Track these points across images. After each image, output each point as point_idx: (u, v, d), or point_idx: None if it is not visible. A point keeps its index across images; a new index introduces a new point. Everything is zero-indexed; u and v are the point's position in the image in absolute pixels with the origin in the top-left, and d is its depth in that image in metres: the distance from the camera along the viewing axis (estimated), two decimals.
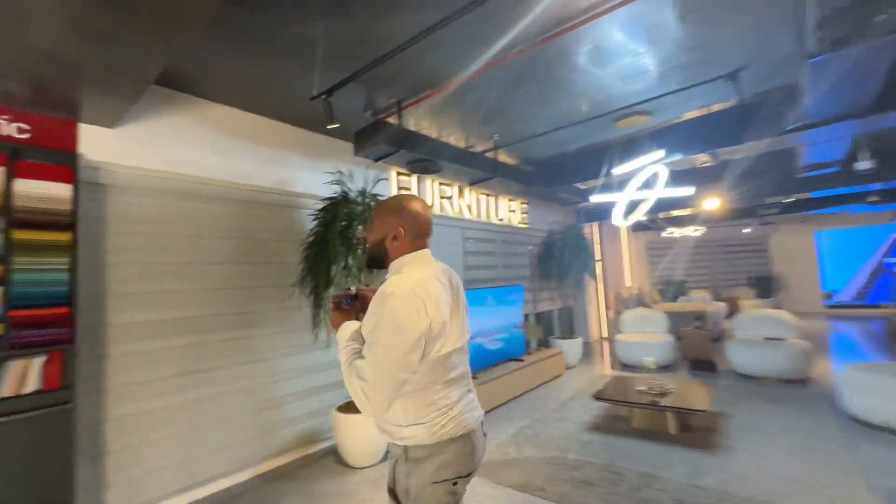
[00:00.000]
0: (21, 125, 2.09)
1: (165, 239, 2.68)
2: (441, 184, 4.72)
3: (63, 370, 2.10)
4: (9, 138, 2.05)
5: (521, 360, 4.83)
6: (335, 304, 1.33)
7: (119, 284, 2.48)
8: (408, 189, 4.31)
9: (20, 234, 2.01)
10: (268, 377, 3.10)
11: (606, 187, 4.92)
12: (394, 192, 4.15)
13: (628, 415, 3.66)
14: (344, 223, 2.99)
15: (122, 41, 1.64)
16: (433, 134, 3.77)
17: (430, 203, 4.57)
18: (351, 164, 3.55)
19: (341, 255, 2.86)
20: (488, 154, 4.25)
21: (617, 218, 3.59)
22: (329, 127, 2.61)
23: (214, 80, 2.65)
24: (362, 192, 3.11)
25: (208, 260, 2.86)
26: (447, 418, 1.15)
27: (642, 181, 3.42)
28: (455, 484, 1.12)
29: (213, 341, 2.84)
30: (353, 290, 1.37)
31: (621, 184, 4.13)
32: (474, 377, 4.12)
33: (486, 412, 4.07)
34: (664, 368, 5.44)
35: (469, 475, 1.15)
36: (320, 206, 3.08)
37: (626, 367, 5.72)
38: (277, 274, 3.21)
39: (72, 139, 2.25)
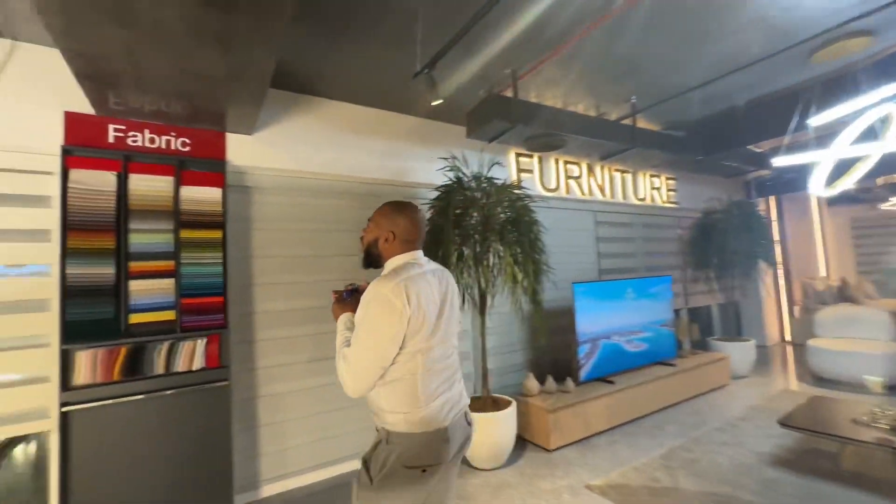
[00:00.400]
0: (185, 139, 2.43)
1: (298, 234, 2.89)
2: (567, 162, 4.22)
3: (220, 351, 2.40)
4: (176, 152, 2.40)
5: (672, 365, 4.07)
6: (337, 297, 1.48)
7: (262, 276, 2.76)
8: (529, 171, 3.96)
9: (185, 234, 2.33)
10: None
11: (796, 147, 3.76)
12: (512, 174, 3.85)
13: (836, 451, 2.72)
14: (458, 211, 2.82)
15: (235, 42, 1.71)
16: (556, 104, 3.34)
17: (555, 185, 4.13)
18: (465, 149, 3.37)
19: (455, 245, 2.70)
20: (624, 121, 3.62)
21: (816, 186, 2.64)
22: (433, 104, 2.44)
23: (326, 78, 2.74)
24: (477, 177, 2.90)
25: (334, 252, 3.01)
26: (425, 411, 1.24)
27: (860, 131, 2.43)
28: (424, 471, 1.22)
29: (319, 332, 2.98)
30: (355, 284, 1.47)
31: (821, 140, 3.06)
32: (610, 381, 3.59)
33: (625, 423, 3.55)
34: (892, 390, 3.99)
35: (440, 464, 1.24)
36: (435, 195, 2.97)
37: (822, 381, 4.38)
38: None
39: (221, 148, 2.55)
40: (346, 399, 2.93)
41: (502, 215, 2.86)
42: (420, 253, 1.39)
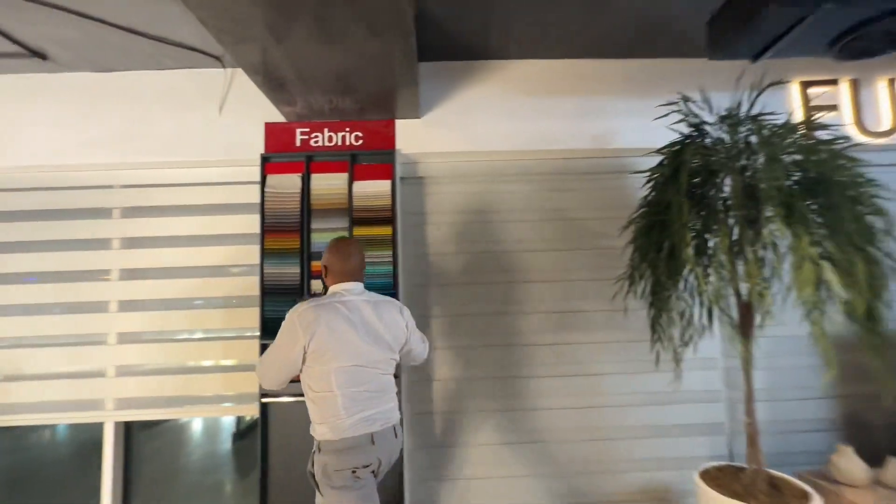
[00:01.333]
0: (358, 133, 2.34)
1: (475, 227, 2.47)
2: None
3: None
4: (350, 147, 2.33)
5: None
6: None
7: (438, 276, 2.45)
8: (829, 109, 2.42)
9: (358, 231, 2.22)
10: (598, 398, 2.37)
11: None
12: (797, 113, 2.42)
13: None
14: (697, 179, 1.82)
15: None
16: None
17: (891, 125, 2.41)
18: (701, 88, 2.24)
19: (691, 231, 1.72)
20: None
21: None
22: None
23: (494, 33, 2.18)
24: (731, 119, 1.81)
25: (517, 248, 2.45)
26: (347, 422, 1.44)
27: None
28: (354, 471, 1.43)
29: (528, 343, 2.40)
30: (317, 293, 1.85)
31: None
32: None
33: None
34: None
35: (367, 466, 1.45)
36: (655, 161, 2.03)
37: None
38: (601, 263, 2.42)
39: (390, 137, 2.36)
40: (538, 431, 2.33)
41: (790, 178, 1.68)
42: (352, 284, 1.60)
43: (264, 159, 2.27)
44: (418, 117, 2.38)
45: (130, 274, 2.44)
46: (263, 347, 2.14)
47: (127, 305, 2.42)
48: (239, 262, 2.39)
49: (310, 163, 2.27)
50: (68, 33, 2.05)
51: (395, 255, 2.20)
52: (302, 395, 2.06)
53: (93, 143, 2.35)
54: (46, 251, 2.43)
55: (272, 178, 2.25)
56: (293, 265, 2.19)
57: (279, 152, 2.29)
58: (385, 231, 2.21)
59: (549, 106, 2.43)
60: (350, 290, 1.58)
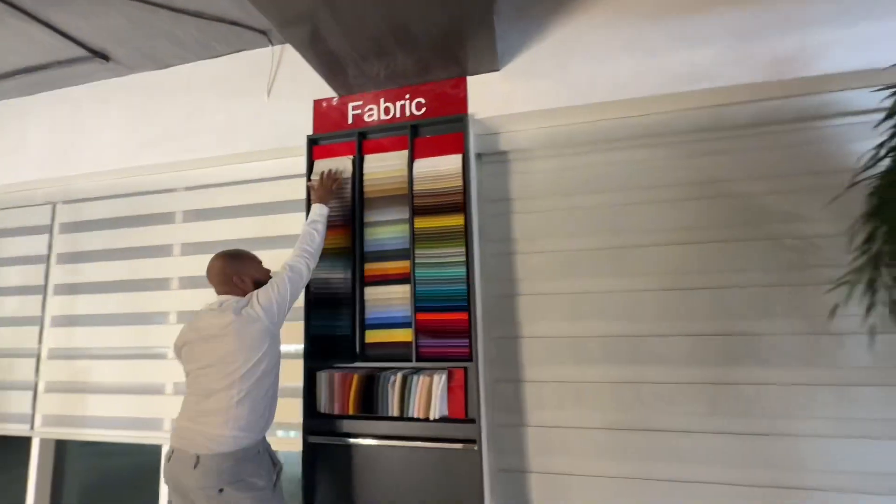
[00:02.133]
0: (420, 99, 1.83)
1: (581, 215, 1.78)
2: None
3: (466, 396, 1.59)
4: (411, 117, 1.83)
5: None
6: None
7: (529, 282, 1.80)
8: None
9: (420, 222, 1.69)
10: (792, 475, 1.48)
11: None
12: None
13: None
14: None
15: None
16: None
17: None
18: None
19: None
20: None
21: None
22: None
23: None
24: None
25: (645, 241, 1.70)
26: (174, 425, 1.41)
27: None
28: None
29: (665, 380, 1.61)
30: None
31: None
32: None
33: None
34: None
35: (175, 489, 1.33)
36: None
37: None
38: (790, 260, 1.55)
39: (461, 99, 1.80)
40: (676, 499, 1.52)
41: None
42: (216, 294, 1.52)
43: (311, 142, 1.88)
44: (497, 69, 1.79)
45: (190, 282, 2.24)
46: (309, 371, 1.72)
47: (185, 317, 2.22)
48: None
49: (362, 142, 1.82)
50: (117, 21, 1.91)
51: (468, 254, 1.62)
52: (348, 436, 1.62)
53: (153, 143, 2.21)
54: (116, 259, 2.35)
55: (319, 165, 1.85)
56: (342, 268, 1.74)
57: (328, 132, 1.88)
58: (454, 221, 1.65)
59: (692, 26, 1.64)
60: (211, 300, 1.51)
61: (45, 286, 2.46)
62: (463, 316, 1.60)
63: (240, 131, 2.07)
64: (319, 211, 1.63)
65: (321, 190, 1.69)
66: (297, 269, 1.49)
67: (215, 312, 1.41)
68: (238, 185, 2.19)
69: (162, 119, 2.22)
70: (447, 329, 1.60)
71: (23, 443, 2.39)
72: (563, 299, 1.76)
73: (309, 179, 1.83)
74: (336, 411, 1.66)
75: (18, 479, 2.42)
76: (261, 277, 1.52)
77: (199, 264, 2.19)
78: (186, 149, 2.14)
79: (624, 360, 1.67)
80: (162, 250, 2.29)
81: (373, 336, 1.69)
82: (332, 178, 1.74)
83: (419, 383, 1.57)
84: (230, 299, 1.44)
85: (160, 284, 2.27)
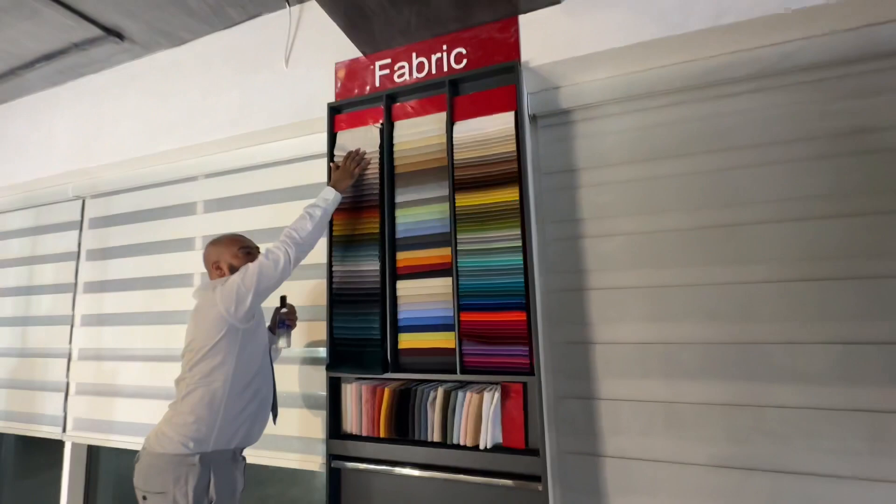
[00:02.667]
0: (460, 49, 1.49)
1: (669, 185, 1.37)
2: None
3: (526, 420, 1.24)
4: (450, 71, 1.49)
5: None
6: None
7: (601, 274, 1.42)
8: None
9: (462, 200, 1.35)
10: None
11: None
12: None
13: None
14: None
15: None
16: None
17: None
18: None
19: None
20: None
21: None
22: None
23: None
24: None
25: (764, 216, 1.27)
26: None
27: None
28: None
29: (801, 404, 1.18)
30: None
31: None
32: None
33: None
34: None
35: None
36: None
37: None
38: None
39: (510, 44, 1.44)
40: None
41: None
42: None
43: (332, 111, 1.59)
44: (557, 1, 1.41)
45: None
46: (333, 383, 1.44)
47: None
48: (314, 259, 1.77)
49: (391, 106, 1.51)
50: None
51: (525, 237, 1.27)
52: (379, 463, 1.32)
53: (169, 128, 2.03)
54: (138, 255, 2.21)
55: (342, 136, 1.56)
56: (369, 259, 1.43)
57: (352, 97, 1.58)
58: (507, 196, 1.30)
59: None
60: None
61: (76, 284, 2.37)
62: (520, 316, 1.24)
63: (256, 107, 1.83)
64: (325, 194, 1.38)
65: (339, 171, 1.44)
66: (274, 257, 1.24)
67: (201, 292, 1.33)
68: (257, 170, 1.96)
69: (177, 102, 2.03)
70: (500, 333, 1.26)
71: (56, 444, 2.32)
72: (648, 294, 1.36)
73: (332, 158, 1.55)
74: (364, 432, 1.36)
75: (52, 482, 2.36)
76: (235, 264, 1.33)
77: None
78: (201, 132, 1.94)
79: (736, 374, 1.25)
80: (185, 244, 2.11)
81: (407, 341, 1.38)
82: (355, 159, 1.46)
83: (466, 402, 1.24)
84: (213, 283, 1.32)
85: (184, 280, 2.09)
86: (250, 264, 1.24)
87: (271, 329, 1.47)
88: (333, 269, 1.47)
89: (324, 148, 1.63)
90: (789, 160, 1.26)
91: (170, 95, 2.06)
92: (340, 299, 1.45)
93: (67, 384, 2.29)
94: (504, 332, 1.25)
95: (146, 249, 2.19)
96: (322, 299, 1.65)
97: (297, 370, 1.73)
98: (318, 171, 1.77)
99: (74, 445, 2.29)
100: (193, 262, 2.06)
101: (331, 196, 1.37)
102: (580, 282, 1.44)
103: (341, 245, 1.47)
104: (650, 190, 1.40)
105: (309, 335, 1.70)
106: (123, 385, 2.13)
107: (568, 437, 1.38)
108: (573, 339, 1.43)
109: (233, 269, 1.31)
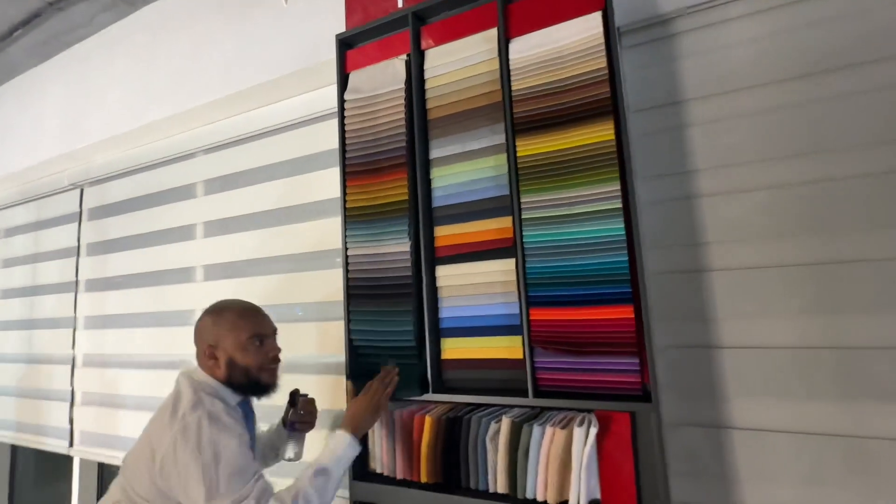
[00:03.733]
0: None
1: (832, 110, 0.91)
2: None
3: (637, 467, 0.83)
4: None
5: None
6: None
7: (728, 248, 0.98)
8: None
9: (526, 147, 0.94)
10: None
11: None
12: None
13: None
14: None
15: None
16: None
17: None
18: None
19: None
20: None
21: None
22: None
23: None
24: None
25: None
26: None
27: None
28: None
29: None
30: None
31: None
32: None
33: None
34: None
35: None
36: None
37: None
38: None
39: None
40: None
41: None
42: None
43: (342, 45, 1.20)
44: None
45: (212, 272, 1.73)
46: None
47: None
48: (323, 244, 1.42)
49: (420, 29, 1.11)
50: None
51: (627, 195, 0.85)
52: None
53: (160, 95, 1.71)
54: (136, 248, 1.93)
55: (357, 77, 1.17)
56: (396, 238, 1.05)
57: (367, 22, 1.18)
58: (597, 134, 0.88)
59: None
60: None
61: (77, 282, 2.13)
62: (624, 312, 0.83)
63: (252, 58, 1.48)
64: (334, 447, 0.89)
65: (361, 402, 0.94)
66: None
67: (169, 399, 0.91)
68: (260, 140, 1.62)
69: (165, 63, 1.71)
70: (593, 338, 0.85)
71: (64, 456, 2.10)
72: (807, 275, 0.91)
73: (343, 107, 1.16)
74: (399, 473, 0.99)
75: (63, 495, 2.16)
76: (240, 360, 0.92)
77: (223, 247, 1.69)
78: (192, 94, 1.61)
79: None
80: (185, 232, 1.81)
81: (454, 349, 0.99)
82: (384, 381, 0.96)
83: (545, 439, 0.84)
84: (196, 380, 0.92)
85: (184, 275, 1.80)
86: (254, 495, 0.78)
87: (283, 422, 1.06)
88: (349, 253, 1.10)
89: (335, 104, 1.25)
90: None
91: (157, 57, 1.74)
92: (359, 293, 1.08)
93: (73, 392, 2.07)
94: (599, 337, 0.85)
95: (144, 241, 1.91)
96: (337, 294, 1.29)
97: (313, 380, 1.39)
98: (330, 135, 1.40)
99: (83, 462, 2.07)
100: (195, 254, 1.75)
101: (342, 447, 0.88)
102: (695, 260, 1.01)
103: (359, 220, 1.09)
104: (806, 119, 0.94)
105: (327, 338, 1.35)
106: (126, 395, 1.87)
107: (687, 483, 0.96)
108: (686, 341, 1.00)
109: (232, 366, 0.92)
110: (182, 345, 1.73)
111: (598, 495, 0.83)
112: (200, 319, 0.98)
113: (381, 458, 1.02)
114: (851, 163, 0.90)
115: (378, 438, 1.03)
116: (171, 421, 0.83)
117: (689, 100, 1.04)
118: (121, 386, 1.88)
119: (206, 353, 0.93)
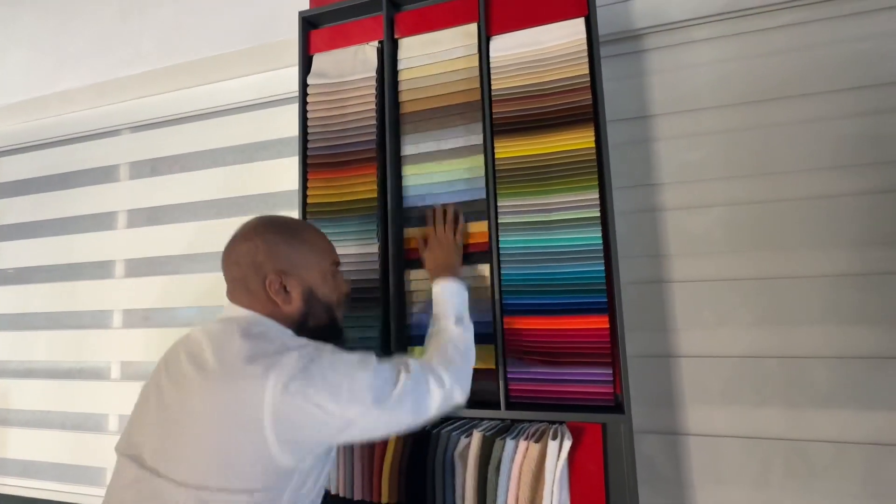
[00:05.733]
0: None
1: (786, 134, 0.99)
2: None
3: (607, 479, 0.82)
4: None
5: None
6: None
7: (689, 261, 1.02)
8: None
9: (504, 149, 0.90)
10: None
11: None
12: None
13: None
14: None
15: None
16: None
17: None
18: None
19: None
20: None
21: None
22: None
23: None
24: None
25: None
26: None
27: None
28: None
29: None
30: None
31: None
32: None
33: None
34: None
35: None
36: None
37: None
38: None
39: None
40: None
41: None
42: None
43: (306, 24, 1.10)
44: None
45: (136, 268, 1.52)
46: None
47: (132, 317, 1.51)
48: None
49: (394, 16, 1.04)
50: None
51: (605, 204, 0.84)
52: None
53: (74, 59, 1.47)
54: (37, 236, 1.65)
55: (321, 60, 1.07)
56: (363, 238, 0.97)
57: (335, 2, 1.09)
58: (577, 141, 0.86)
59: None
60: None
61: None
62: (598, 322, 0.82)
63: (196, 28, 1.32)
64: (445, 294, 0.81)
65: (438, 249, 0.87)
66: (437, 375, 0.68)
67: (204, 344, 0.64)
68: (201, 121, 1.45)
69: (88, 23, 1.48)
70: (567, 348, 0.83)
71: None
72: (760, 288, 0.97)
73: (305, 88, 1.06)
74: (358, 495, 0.91)
75: None
76: (319, 289, 0.72)
77: (149, 240, 1.49)
78: (119, 63, 1.40)
79: (890, 401, 0.88)
80: (103, 220, 1.58)
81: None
82: (443, 215, 0.91)
83: (517, 454, 0.81)
84: (247, 323, 0.66)
85: (101, 270, 1.56)
86: (405, 368, 0.65)
87: None
88: None
89: (293, 88, 1.14)
90: None
91: (77, 15, 1.50)
92: None
93: None
94: (574, 348, 0.83)
95: (49, 228, 1.64)
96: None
97: None
98: (285, 122, 1.29)
99: None
100: (115, 246, 1.53)
101: (453, 290, 0.81)
102: (659, 271, 1.04)
103: (320, 218, 1.00)
104: (762, 142, 1.00)
105: None
106: (15, 409, 1.59)
107: (647, 489, 0.98)
108: (650, 351, 1.02)
109: (311, 302, 0.70)
110: (94, 350, 1.50)
111: None
112: (250, 240, 0.69)
113: (337, 477, 0.93)
114: (795, 186, 0.97)
115: (340, 457, 0.94)
116: (245, 370, 0.57)
117: (657, 115, 1.07)
118: (12, 399, 1.59)
119: (272, 284, 0.67)
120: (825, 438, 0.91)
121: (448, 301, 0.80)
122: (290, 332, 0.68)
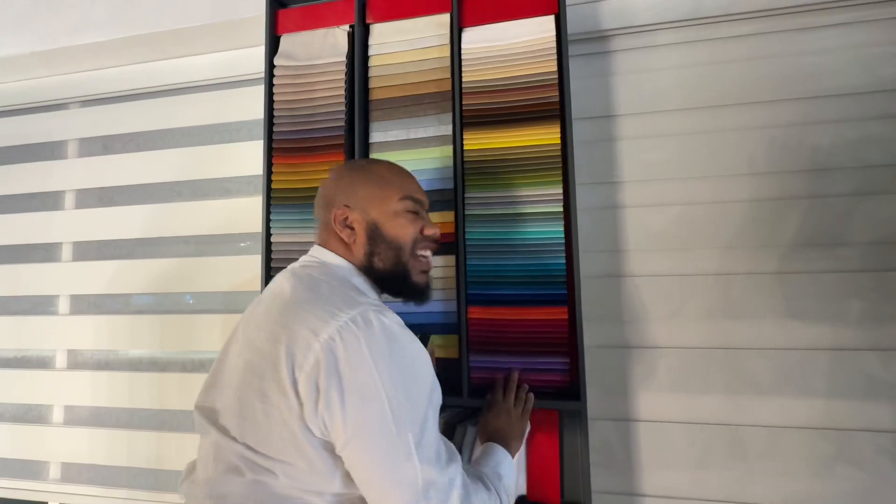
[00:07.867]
0: None
1: (739, 140, 1.04)
2: None
3: (562, 460, 0.86)
4: None
5: None
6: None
7: (645, 256, 1.07)
8: None
9: (473, 141, 0.91)
10: None
11: None
12: None
13: None
14: None
15: None
16: None
17: None
18: None
19: None
20: None
21: None
22: None
23: None
24: None
25: (859, 187, 0.97)
26: None
27: None
28: None
29: (887, 427, 0.92)
30: None
31: None
32: None
33: None
34: None
35: None
36: None
37: None
38: None
39: None
40: None
41: None
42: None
43: (274, 2, 1.06)
44: None
45: (85, 251, 1.44)
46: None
47: (80, 303, 1.43)
48: (242, 227, 1.26)
49: (366, 1, 1.02)
50: None
51: (569, 199, 0.87)
52: None
53: (18, 22, 1.36)
54: None
55: (289, 42, 1.04)
56: None
57: None
58: (543, 137, 0.88)
59: None
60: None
61: None
62: (558, 313, 0.85)
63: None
64: (496, 465, 0.69)
65: (503, 417, 0.77)
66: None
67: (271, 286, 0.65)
68: (158, 98, 1.38)
69: None
70: (528, 338, 0.86)
71: None
72: (710, 284, 1.03)
73: (272, 70, 1.02)
74: None
75: None
76: (388, 230, 0.66)
77: (100, 222, 1.41)
78: (68, 31, 1.30)
79: (822, 389, 0.96)
80: (47, 200, 1.48)
81: None
82: (512, 387, 0.82)
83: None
84: (312, 268, 0.65)
85: (46, 253, 1.47)
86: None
87: None
88: (273, 240, 0.98)
89: (259, 68, 1.11)
90: None
91: None
92: None
93: None
94: (534, 337, 0.86)
95: None
96: (252, 284, 1.16)
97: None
98: (252, 102, 1.25)
99: None
100: (63, 228, 1.44)
101: (504, 465, 0.69)
102: (618, 266, 1.08)
103: (285, 204, 0.98)
104: (716, 146, 1.05)
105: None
106: None
107: (601, 472, 1.03)
108: (606, 341, 1.07)
109: (375, 239, 0.65)
110: (38, 338, 1.41)
111: (524, 491, 0.85)
112: (330, 178, 0.70)
113: None
114: (740, 189, 1.03)
115: None
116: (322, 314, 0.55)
117: (621, 115, 1.11)
118: None
119: (336, 218, 0.64)
120: (764, 423, 0.98)
121: (488, 470, 0.67)
122: (355, 283, 0.64)
